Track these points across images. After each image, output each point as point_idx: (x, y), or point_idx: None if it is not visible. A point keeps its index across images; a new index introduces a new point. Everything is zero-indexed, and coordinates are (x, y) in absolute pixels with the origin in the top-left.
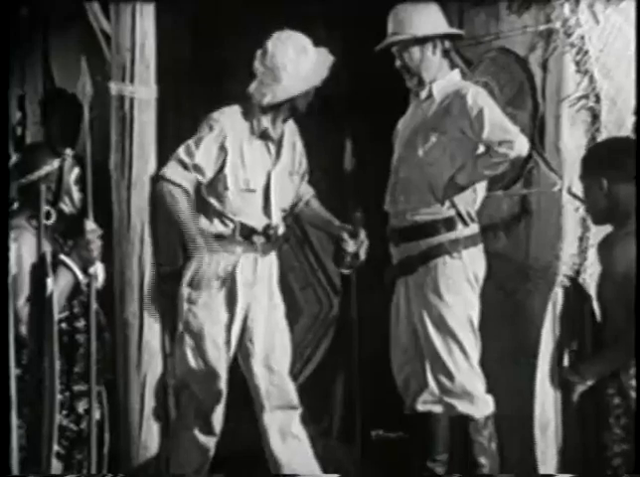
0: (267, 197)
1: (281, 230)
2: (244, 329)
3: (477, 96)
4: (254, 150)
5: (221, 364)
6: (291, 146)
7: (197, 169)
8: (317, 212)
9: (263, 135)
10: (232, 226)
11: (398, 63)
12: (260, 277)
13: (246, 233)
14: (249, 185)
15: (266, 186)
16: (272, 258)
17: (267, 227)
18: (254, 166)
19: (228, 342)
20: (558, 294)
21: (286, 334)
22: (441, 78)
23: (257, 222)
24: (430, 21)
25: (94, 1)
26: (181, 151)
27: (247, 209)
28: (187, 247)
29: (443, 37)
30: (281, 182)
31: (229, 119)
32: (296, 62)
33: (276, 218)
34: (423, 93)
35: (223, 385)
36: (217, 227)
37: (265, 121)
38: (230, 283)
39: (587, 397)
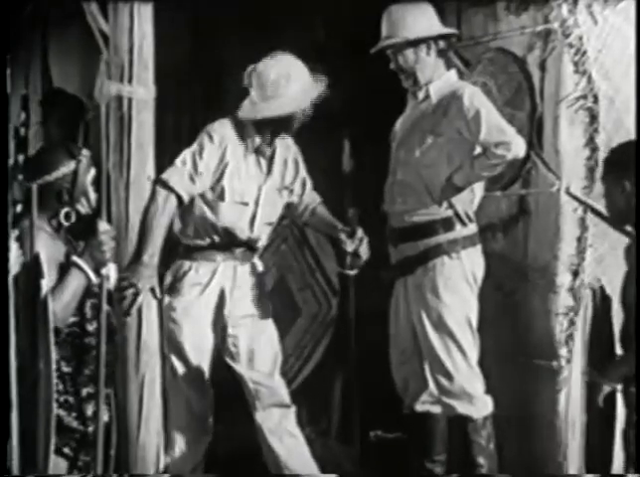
0: (255, 211)
1: (263, 242)
2: (226, 334)
3: (474, 97)
4: (249, 164)
5: (203, 367)
6: (283, 162)
7: (200, 179)
8: (323, 218)
9: (257, 151)
10: (208, 240)
11: (392, 65)
12: (241, 283)
13: (227, 244)
14: (244, 198)
15: (256, 200)
16: (254, 265)
17: (248, 239)
18: (249, 180)
19: (209, 347)
20: (587, 296)
21: (275, 336)
22: (438, 78)
23: (242, 234)
24: (423, 22)
25: (92, 1)
26: (187, 160)
27: (239, 222)
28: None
29: (437, 37)
30: (270, 197)
31: (228, 131)
32: (285, 85)
33: (259, 231)
34: (420, 94)
35: (207, 386)
36: (195, 240)
37: (258, 138)
38: (209, 290)
39: (612, 396)
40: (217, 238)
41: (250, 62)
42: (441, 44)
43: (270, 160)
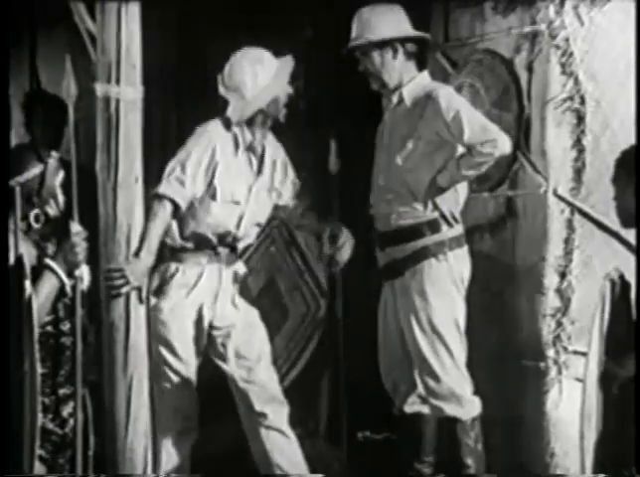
0: (244, 210)
1: (249, 241)
2: (214, 336)
3: (450, 98)
4: (240, 163)
5: (190, 368)
6: (272, 163)
7: (191, 181)
8: (312, 221)
9: (249, 148)
10: (194, 243)
11: (360, 67)
12: (226, 286)
13: (214, 245)
14: (235, 197)
15: (247, 199)
16: (238, 268)
17: (233, 239)
18: (239, 178)
19: (195, 347)
20: (606, 287)
21: (263, 333)
22: (408, 81)
23: (228, 234)
24: (389, 24)
25: (80, 1)
26: (176, 165)
27: (229, 221)
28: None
29: (404, 40)
30: (260, 197)
31: (216, 131)
32: (253, 74)
33: (245, 230)
34: (394, 99)
35: (193, 387)
36: (182, 242)
37: (249, 134)
38: (195, 291)
39: (627, 388)
40: (204, 240)
41: None
42: (410, 47)
43: (261, 159)
